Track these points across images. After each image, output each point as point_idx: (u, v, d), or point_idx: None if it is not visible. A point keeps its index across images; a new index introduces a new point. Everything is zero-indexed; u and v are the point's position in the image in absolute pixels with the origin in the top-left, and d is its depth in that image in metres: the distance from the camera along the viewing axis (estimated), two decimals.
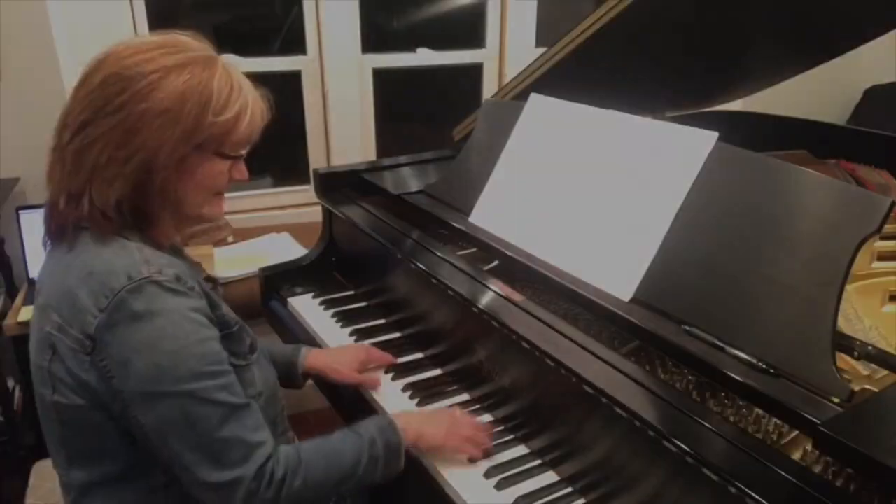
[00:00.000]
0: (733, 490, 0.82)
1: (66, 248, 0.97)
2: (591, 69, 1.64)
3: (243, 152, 1.03)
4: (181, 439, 0.92)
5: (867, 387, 0.96)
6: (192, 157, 0.96)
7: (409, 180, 1.80)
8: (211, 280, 1.12)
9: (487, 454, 1.15)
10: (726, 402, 1.04)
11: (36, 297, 1.03)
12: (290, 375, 1.35)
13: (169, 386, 0.90)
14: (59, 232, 0.99)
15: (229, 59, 1.01)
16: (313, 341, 1.56)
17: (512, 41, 2.84)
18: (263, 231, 2.48)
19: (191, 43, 0.99)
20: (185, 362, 0.91)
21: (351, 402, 1.38)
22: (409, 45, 2.81)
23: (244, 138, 1.00)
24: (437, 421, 1.16)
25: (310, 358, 1.37)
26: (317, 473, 1.02)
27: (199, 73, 0.94)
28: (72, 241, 0.97)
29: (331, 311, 1.64)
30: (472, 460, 1.13)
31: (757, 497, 0.79)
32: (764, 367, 0.97)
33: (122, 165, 0.92)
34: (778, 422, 0.97)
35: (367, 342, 1.49)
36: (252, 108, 0.99)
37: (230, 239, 2.41)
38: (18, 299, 2.00)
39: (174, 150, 0.93)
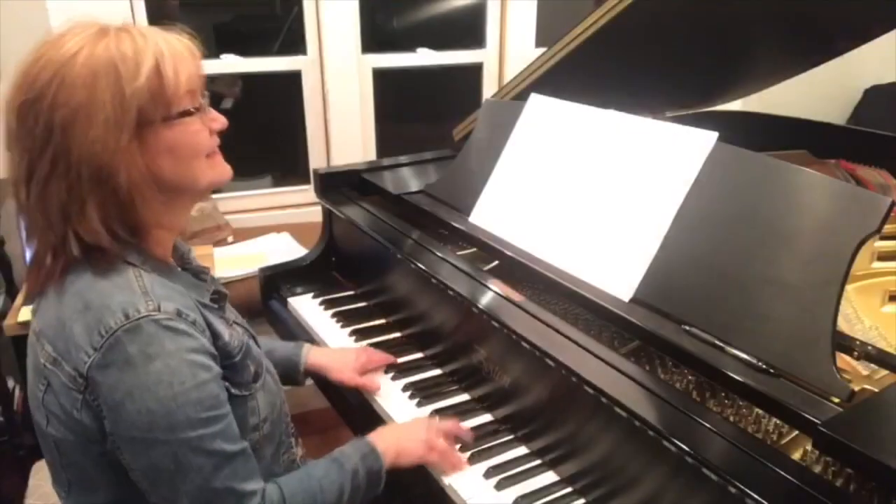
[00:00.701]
0: (733, 490, 0.82)
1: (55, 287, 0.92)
2: (591, 69, 1.64)
3: (196, 102, 0.92)
4: (171, 487, 0.89)
5: (867, 387, 0.96)
6: (145, 136, 0.87)
7: (409, 180, 1.80)
8: (219, 294, 1.05)
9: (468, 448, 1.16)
10: (726, 402, 1.04)
11: (32, 315, 0.98)
12: (290, 373, 1.35)
13: (162, 434, 0.86)
14: (45, 286, 0.92)
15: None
16: (313, 341, 1.56)
17: (512, 41, 2.84)
18: (263, 231, 2.48)
19: (73, 29, 0.90)
20: (181, 409, 0.86)
21: (353, 405, 1.38)
22: (409, 45, 2.81)
23: (182, 87, 0.89)
24: (414, 435, 1.13)
25: (311, 356, 1.37)
26: None
27: (90, 52, 0.85)
28: (59, 283, 0.91)
29: (331, 311, 1.64)
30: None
31: (757, 497, 0.79)
32: (764, 367, 0.97)
33: (81, 189, 0.85)
34: (778, 422, 0.97)
35: (366, 342, 1.49)
36: (171, 52, 0.89)
37: (230, 239, 2.41)
38: (18, 299, 2.00)
39: (112, 142, 0.84)
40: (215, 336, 0.95)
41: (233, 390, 0.96)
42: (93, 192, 0.85)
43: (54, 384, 0.90)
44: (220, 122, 0.97)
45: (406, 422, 1.20)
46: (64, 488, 1.00)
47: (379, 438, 1.12)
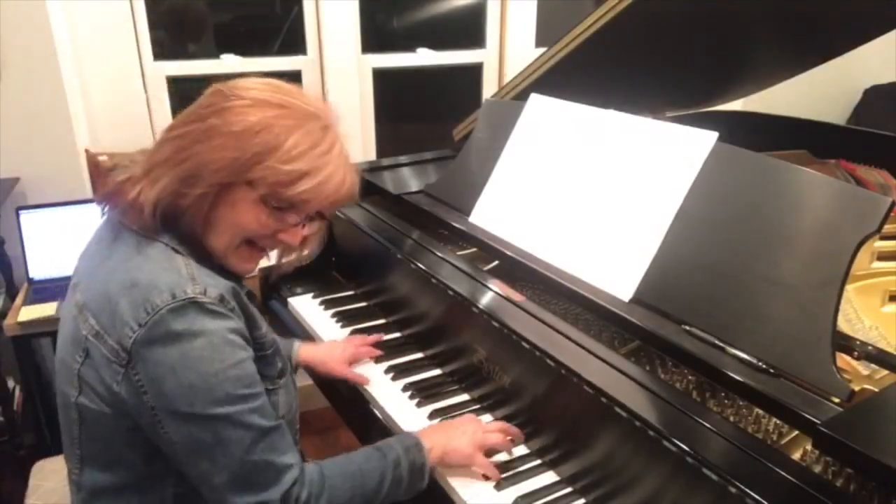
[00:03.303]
0: (733, 490, 0.82)
1: (109, 238, 0.98)
2: (592, 69, 1.64)
3: (298, 217, 0.99)
4: (211, 460, 0.92)
5: (867, 387, 0.96)
6: (239, 189, 0.94)
7: (409, 180, 1.80)
8: (252, 295, 1.08)
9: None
10: (726, 401, 1.04)
11: (72, 290, 1.01)
12: None
13: (203, 408, 0.89)
14: (111, 204, 0.99)
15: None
16: (313, 341, 1.56)
17: (512, 41, 2.83)
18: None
19: (308, 99, 0.99)
20: (220, 385, 0.90)
21: (352, 405, 1.38)
22: (409, 45, 2.80)
23: (305, 200, 0.96)
24: (464, 435, 1.12)
25: (302, 352, 1.40)
26: (340, 495, 1.01)
27: (287, 119, 0.94)
28: (116, 232, 0.97)
29: (331, 311, 1.64)
30: (486, 478, 1.11)
31: (757, 497, 0.79)
32: (764, 366, 0.97)
33: (172, 168, 0.93)
34: (778, 422, 0.97)
35: None
36: (328, 177, 0.96)
37: None
38: (18, 299, 2.00)
39: (219, 172, 0.92)
40: (253, 326, 1.00)
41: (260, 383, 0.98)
42: (173, 178, 0.92)
43: (95, 356, 0.93)
44: (293, 241, 1.02)
45: (456, 420, 1.19)
46: (77, 466, 1.02)
47: (426, 435, 1.13)
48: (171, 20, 2.43)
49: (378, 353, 1.43)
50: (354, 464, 1.05)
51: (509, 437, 1.16)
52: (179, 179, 0.92)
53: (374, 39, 2.70)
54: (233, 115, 0.93)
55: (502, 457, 1.15)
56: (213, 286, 0.93)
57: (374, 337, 1.47)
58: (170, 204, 0.94)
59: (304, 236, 1.04)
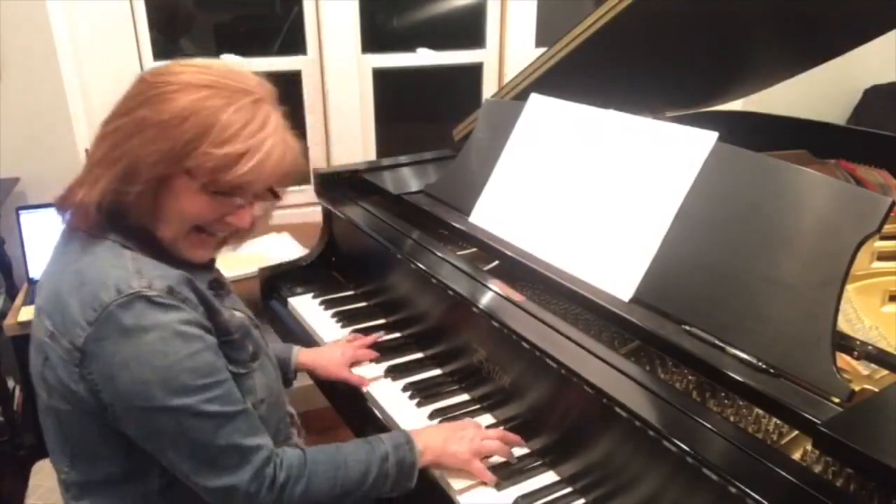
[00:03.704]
0: (733, 490, 0.82)
1: (63, 242, 0.98)
2: (592, 69, 1.64)
3: (243, 199, 0.97)
4: (176, 450, 0.92)
5: (867, 387, 0.96)
6: (179, 179, 0.91)
7: (409, 180, 1.80)
8: (218, 283, 1.07)
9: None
10: (726, 401, 1.04)
11: (36, 297, 1.02)
12: (281, 373, 1.36)
13: (161, 401, 0.89)
14: (63, 208, 0.97)
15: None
16: (313, 341, 1.56)
17: (512, 41, 2.83)
18: (263, 231, 2.47)
19: (247, 76, 0.96)
20: (176, 377, 0.89)
21: (350, 404, 1.38)
22: (409, 45, 2.80)
23: (247, 181, 0.93)
24: (462, 440, 1.11)
25: (300, 356, 1.41)
26: (321, 482, 1.01)
27: (214, 99, 0.90)
28: (68, 235, 0.97)
29: (331, 311, 1.64)
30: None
31: (757, 497, 0.79)
32: (764, 366, 0.97)
33: (109, 167, 0.91)
34: (778, 422, 0.97)
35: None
36: (267, 155, 0.92)
37: None
38: (18, 299, 2.00)
39: (156, 165, 0.89)
40: (213, 311, 0.98)
41: (230, 367, 0.99)
42: (111, 178, 0.91)
43: (52, 358, 0.93)
44: (242, 223, 0.99)
45: (457, 423, 1.18)
46: (66, 464, 1.02)
47: (421, 435, 1.13)
48: (159, 17, 2.41)
49: (377, 354, 1.43)
50: (341, 453, 1.05)
51: (509, 446, 1.15)
52: (118, 178, 0.91)
53: (374, 39, 2.70)
54: (160, 103, 0.90)
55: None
56: (160, 278, 0.91)
57: (372, 336, 1.47)
58: (113, 202, 0.92)
59: (256, 217, 1.01)
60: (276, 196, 1.03)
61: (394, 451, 1.07)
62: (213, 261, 1.10)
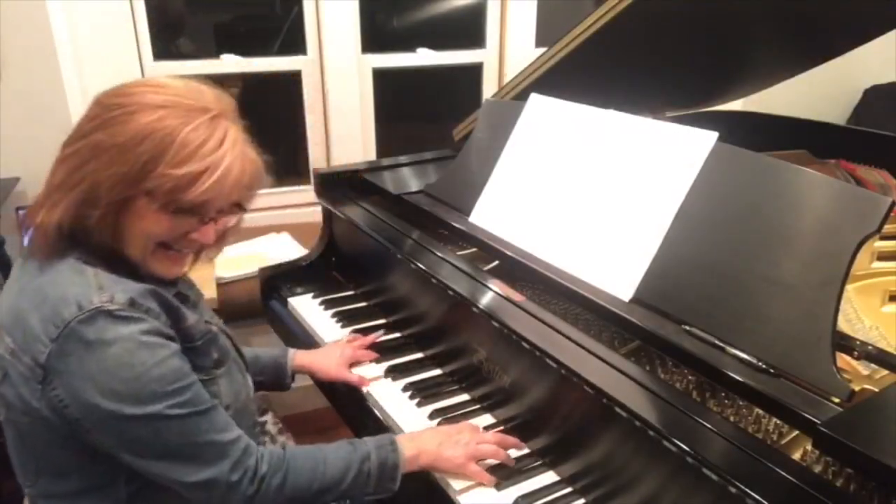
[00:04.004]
0: (733, 490, 0.82)
1: (23, 259, 0.98)
2: (592, 69, 1.64)
3: (205, 216, 0.96)
4: (153, 453, 0.93)
5: (867, 387, 0.96)
6: (139, 201, 0.90)
7: (409, 180, 1.80)
8: (182, 296, 1.04)
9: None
10: (726, 402, 1.04)
11: None
12: (277, 377, 1.37)
13: (132, 411, 0.89)
14: (26, 228, 0.98)
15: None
16: (313, 341, 1.56)
17: (512, 41, 2.83)
18: (263, 231, 2.47)
19: (204, 92, 0.95)
20: (146, 386, 0.89)
21: (350, 402, 1.38)
22: (409, 45, 2.80)
23: (207, 200, 0.92)
24: (456, 444, 1.11)
25: (297, 358, 1.40)
26: (299, 477, 1.02)
27: (170, 119, 0.89)
28: (29, 253, 0.96)
29: (331, 311, 1.64)
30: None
31: (757, 497, 0.79)
32: (764, 366, 0.97)
33: (68, 192, 0.90)
34: (778, 422, 0.97)
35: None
36: (226, 172, 0.92)
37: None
38: None
39: (115, 188, 0.89)
40: (179, 319, 0.98)
41: (194, 373, 0.98)
42: (71, 202, 0.90)
43: (12, 375, 0.92)
44: (206, 239, 0.98)
45: (453, 427, 1.17)
46: (30, 479, 1.02)
47: (416, 439, 1.13)
48: (150, 19, 2.41)
49: (377, 355, 1.43)
50: (322, 452, 1.06)
51: (506, 449, 1.14)
52: (77, 204, 0.90)
53: (374, 39, 2.70)
54: (116, 125, 0.89)
55: None
56: (121, 291, 0.91)
57: (372, 336, 1.47)
58: (74, 225, 0.92)
59: (221, 231, 1.01)
60: (243, 209, 1.02)
61: (376, 452, 1.07)
62: (180, 280, 1.07)
